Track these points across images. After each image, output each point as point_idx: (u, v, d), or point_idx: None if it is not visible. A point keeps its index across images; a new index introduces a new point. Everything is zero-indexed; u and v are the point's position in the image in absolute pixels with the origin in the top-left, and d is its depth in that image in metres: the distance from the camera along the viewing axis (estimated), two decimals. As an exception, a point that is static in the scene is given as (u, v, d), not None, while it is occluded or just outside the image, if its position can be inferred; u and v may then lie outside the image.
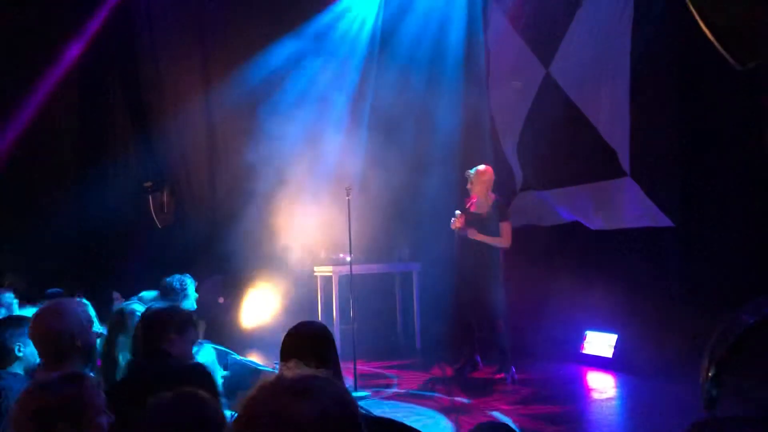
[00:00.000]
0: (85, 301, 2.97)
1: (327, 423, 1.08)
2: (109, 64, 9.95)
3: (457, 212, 6.64)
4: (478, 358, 6.85)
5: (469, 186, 6.74)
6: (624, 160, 6.91)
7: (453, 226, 6.62)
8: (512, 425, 4.36)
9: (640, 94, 6.78)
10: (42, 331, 2.72)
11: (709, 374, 1.29)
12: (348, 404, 1.13)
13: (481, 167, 6.73)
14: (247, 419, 1.10)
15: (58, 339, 2.69)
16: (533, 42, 8.08)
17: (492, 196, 6.70)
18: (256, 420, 1.09)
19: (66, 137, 9.89)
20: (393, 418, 3.00)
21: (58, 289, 5.82)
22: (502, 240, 6.56)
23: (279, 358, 2.63)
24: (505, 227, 6.56)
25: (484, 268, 6.58)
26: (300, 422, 1.06)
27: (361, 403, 4.27)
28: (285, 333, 2.68)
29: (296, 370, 1.16)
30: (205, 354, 3.85)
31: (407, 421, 3.49)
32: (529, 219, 8.16)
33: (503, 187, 7.88)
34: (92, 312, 2.86)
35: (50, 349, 2.71)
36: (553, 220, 8.01)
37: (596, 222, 7.39)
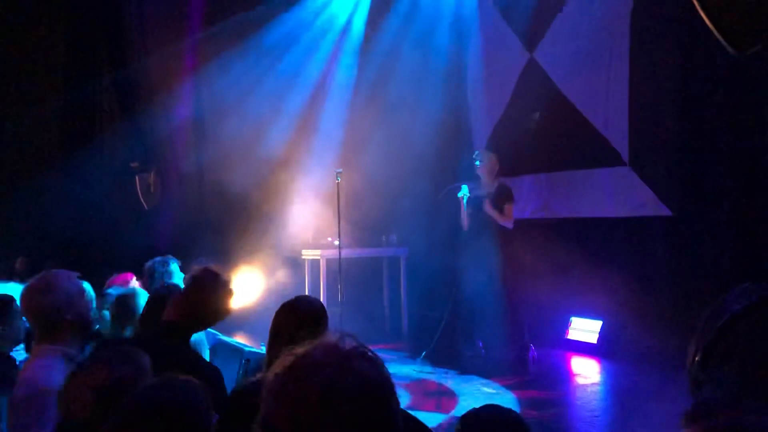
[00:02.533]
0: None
1: (380, 385, 1.13)
2: (96, 44, 9.84)
3: (465, 186, 6.72)
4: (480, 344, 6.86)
5: (479, 166, 6.79)
6: (623, 150, 6.94)
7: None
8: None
9: (638, 83, 6.80)
10: (30, 306, 2.68)
11: (696, 359, 1.30)
12: (390, 381, 1.18)
13: (488, 151, 6.87)
14: (302, 369, 1.12)
15: (46, 313, 2.65)
16: (517, 25, 8.07)
17: (498, 179, 6.77)
18: (313, 369, 1.11)
19: (52, 119, 9.80)
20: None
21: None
22: (506, 218, 6.62)
23: (269, 333, 2.59)
24: (508, 208, 6.62)
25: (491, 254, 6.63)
26: (361, 377, 1.11)
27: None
28: (278, 308, 2.63)
29: (353, 337, 1.18)
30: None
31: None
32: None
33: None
34: (88, 286, 2.80)
35: (40, 324, 2.67)
36: (536, 210, 8.03)
37: (587, 208, 7.42)
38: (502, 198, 6.64)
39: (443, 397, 5.66)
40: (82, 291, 2.75)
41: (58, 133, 9.90)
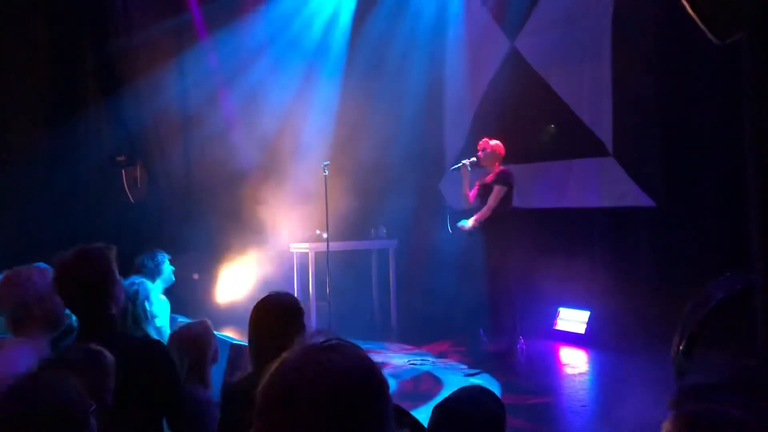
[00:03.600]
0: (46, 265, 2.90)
1: (355, 374, 1.12)
2: (80, 30, 9.73)
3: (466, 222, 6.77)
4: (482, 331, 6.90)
5: (480, 155, 6.79)
6: (606, 140, 6.96)
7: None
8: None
9: (622, 73, 6.81)
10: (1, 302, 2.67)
11: (680, 347, 1.32)
12: (375, 365, 1.18)
13: (495, 141, 6.82)
14: (277, 372, 1.13)
15: (15, 307, 2.65)
16: (498, 13, 8.07)
17: (499, 168, 6.77)
18: (286, 369, 1.12)
19: (37, 108, 9.70)
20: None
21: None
22: (488, 205, 6.64)
23: (248, 331, 2.60)
24: (496, 190, 6.62)
25: (492, 241, 6.69)
26: (328, 368, 1.10)
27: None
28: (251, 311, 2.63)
29: (327, 334, 1.19)
30: (160, 307, 3.88)
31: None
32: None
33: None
34: None
35: (8, 317, 2.66)
36: (520, 200, 8.05)
37: (572, 199, 7.45)
38: (495, 181, 6.66)
39: (427, 386, 5.69)
40: (50, 285, 2.70)
41: (41, 126, 9.80)
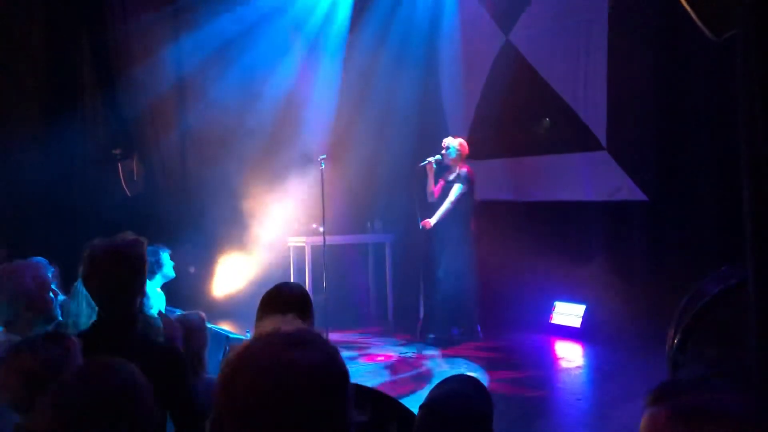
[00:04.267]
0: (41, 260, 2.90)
1: (317, 372, 1.12)
2: (76, 21, 9.69)
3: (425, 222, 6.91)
4: (479, 328, 6.94)
5: (443, 152, 6.87)
6: (600, 134, 6.97)
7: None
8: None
9: (617, 68, 6.82)
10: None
11: (675, 342, 1.33)
12: (338, 359, 1.17)
13: (459, 140, 6.96)
14: (238, 365, 1.13)
15: (10, 304, 2.67)
16: (492, 7, 8.06)
17: (464, 167, 6.86)
18: (248, 366, 1.12)
19: (33, 99, 9.66)
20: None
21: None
22: (447, 200, 6.78)
23: (255, 317, 2.60)
24: (455, 189, 6.77)
25: (454, 240, 6.79)
26: (292, 369, 1.10)
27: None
28: (262, 296, 2.63)
29: (293, 324, 1.19)
30: (156, 300, 3.90)
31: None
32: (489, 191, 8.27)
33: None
34: (50, 271, 2.81)
35: (4, 314, 2.68)
36: (515, 194, 8.07)
37: (567, 193, 7.46)
38: (454, 180, 6.79)
39: (419, 379, 5.72)
40: (44, 283, 2.74)
41: (36, 119, 9.77)
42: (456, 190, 6.76)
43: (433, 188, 6.99)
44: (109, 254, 2.38)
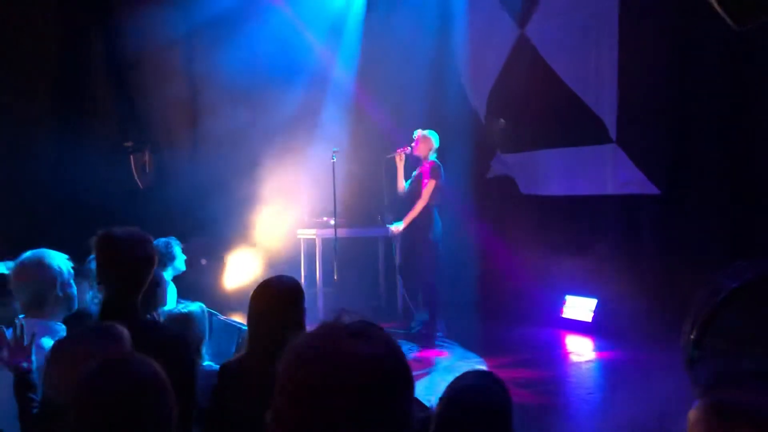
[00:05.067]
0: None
1: (379, 362, 1.12)
2: (89, 13, 9.70)
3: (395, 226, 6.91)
4: (442, 325, 6.95)
5: (414, 145, 6.87)
6: (611, 127, 6.93)
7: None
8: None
9: (628, 60, 6.77)
10: (26, 280, 2.78)
11: (691, 337, 1.31)
12: (400, 352, 1.17)
13: (429, 132, 6.90)
14: (299, 356, 1.13)
15: (42, 288, 2.76)
16: (507, 0, 8.02)
17: (431, 160, 6.82)
18: (311, 355, 1.12)
19: (45, 91, 9.70)
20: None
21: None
22: (421, 199, 6.69)
23: (247, 314, 2.61)
24: (429, 185, 6.69)
25: (421, 234, 6.74)
26: (354, 359, 1.10)
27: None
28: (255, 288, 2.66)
29: (352, 315, 1.18)
30: (169, 293, 3.95)
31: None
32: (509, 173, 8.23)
33: (481, 146, 7.97)
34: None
35: (32, 298, 2.77)
36: (530, 186, 8.03)
37: (578, 186, 7.42)
38: (427, 175, 6.72)
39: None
40: (70, 270, 2.88)
41: (49, 111, 9.80)
42: (430, 187, 6.71)
43: (401, 181, 6.96)
44: (127, 243, 2.50)
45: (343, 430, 1.08)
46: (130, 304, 2.50)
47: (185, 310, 3.37)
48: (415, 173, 6.88)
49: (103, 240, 2.50)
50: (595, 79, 7.08)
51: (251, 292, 2.65)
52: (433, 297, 6.73)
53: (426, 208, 6.68)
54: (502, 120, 8.07)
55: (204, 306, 3.46)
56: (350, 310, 1.22)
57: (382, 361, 1.13)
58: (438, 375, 5.56)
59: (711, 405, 1.07)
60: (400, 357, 1.16)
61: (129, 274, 2.49)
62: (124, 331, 2.07)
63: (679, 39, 6.35)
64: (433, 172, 6.71)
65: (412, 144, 6.88)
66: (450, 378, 2.06)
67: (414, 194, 6.76)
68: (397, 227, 6.83)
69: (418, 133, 6.91)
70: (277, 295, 2.59)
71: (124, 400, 1.59)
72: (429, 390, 4.76)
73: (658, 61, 6.54)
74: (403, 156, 6.91)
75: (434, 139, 6.86)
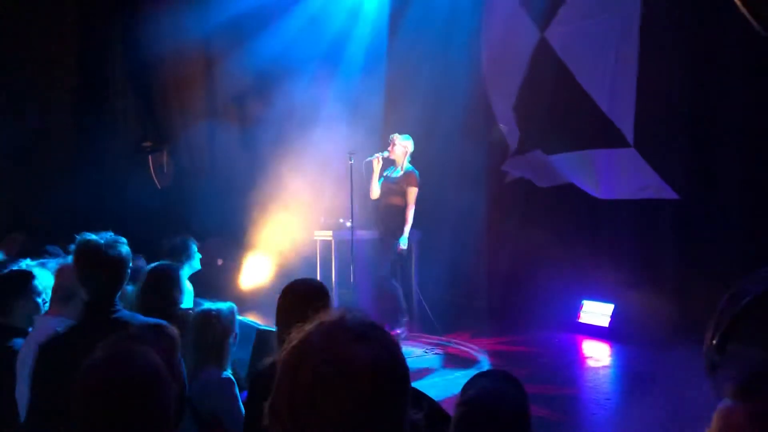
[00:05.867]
0: None
1: (379, 369, 1.11)
2: (109, 14, 9.79)
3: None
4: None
5: (390, 149, 6.95)
6: (628, 131, 6.88)
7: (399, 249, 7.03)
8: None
9: (648, 64, 6.72)
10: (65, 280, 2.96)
11: (713, 342, 1.29)
12: (400, 356, 1.17)
13: (406, 136, 7.02)
14: (299, 354, 1.13)
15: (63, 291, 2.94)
16: (528, 4, 7.99)
17: (408, 166, 6.96)
18: (310, 355, 1.12)
19: (65, 92, 9.80)
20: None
21: (55, 246, 5.83)
22: (408, 208, 6.86)
23: (275, 318, 2.62)
24: (412, 192, 6.85)
25: (391, 234, 6.91)
26: (353, 364, 1.10)
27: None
28: (281, 291, 2.67)
29: (356, 315, 1.17)
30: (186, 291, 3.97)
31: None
32: (528, 175, 8.18)
33: (496, 149, 7.96)
34: None
35: (59, 297, 2.95)
36: (550, 181, 7.99)
37: (599, 190, 7.38)
38: (405, 182, 6.84)
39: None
40: None
41: (70, 111, 9.91)
42: (412, 194, 6.84)
43: (375, 185, 7.03)
44: (103, 247, 2.68)
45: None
46: (108, 301, 2.66)
47: (214, 308, 3.32)
48: (389, 175, 6.98)
49: (80, 244, 2.69)
50: (614, 83, 7.04)
51: (278, 296, 2.66)
52: (388, 291, 6.85)
53: (403, 212, 6.83)
54: (502, 126, 8.09)
55: (235, 307, 3.42)
56: (354, 309, 1.21)
57: (384, 366, 1.12)
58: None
59: (755, 413, 1.04)
60: (401, 362, 1.16)
61: (106, 274, 2.65)
62: (172, 329, 2.11)
63: (699, 43, 6.30)
64: (412, 180, 6.84)
65: (389, 148, 6.94)
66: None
67: (390, 195, 6.88)
68: (404, 244, 6.93)
69: (394, 137, 7.00)
70: (304, 296, 2.59)
71: (125, 390, 1.60)
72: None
73: (678, 65, 6.49)
74: (381, 160, 6.94)
75: (410, 144, 6.98)
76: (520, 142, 8.26)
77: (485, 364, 6.08)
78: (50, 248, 5.58)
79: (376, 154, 6.95)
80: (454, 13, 8.59)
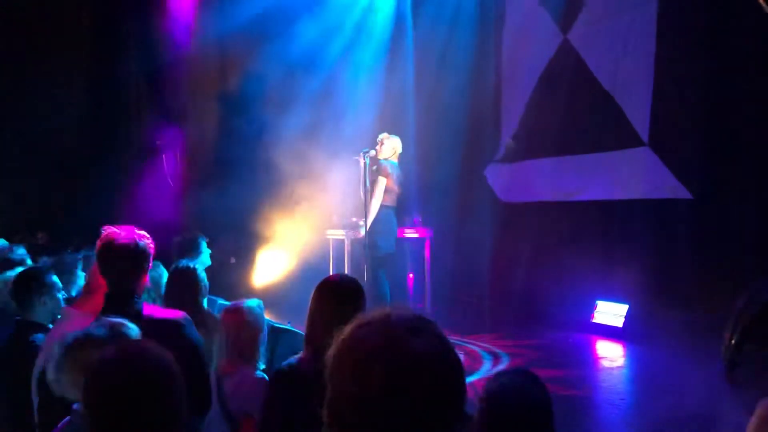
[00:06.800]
0: None
1: (434, 360, 1.12)
2: (123, 14, 9.84)
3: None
4: None
5: (378, 148, 6.97)
6: (643, 130, 6.85)
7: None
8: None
9: (664, 64, 6.69)
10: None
11: (732, 342, 1.29)
12: (453, 348, 1.17)
13: (393, 136, 7.09)
14: (362, 353, 1.13)
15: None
16: (551, 6, 7.97)
17: (387, 163, 6.96)
18: (375, 355, 1.12)
19: (79, 91, 9.86)
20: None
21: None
22: (375, 198, 6.87)
23: (308, 312, 2.60)
24: (379, 182, 6.87)
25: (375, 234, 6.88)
26: (416, 356, 1.11)
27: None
28: (318, 283, 2.64)
29: (401, 310, 1.19)
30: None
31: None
32: (497, 185, 8.20)
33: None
34: None
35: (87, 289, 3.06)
36: (516, 196, 8.02)
37: (610, 191, 7.35)
38: (377, 173, 6.86)
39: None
40: None
41: (84, 109, 9.97)
42: (379, 183, 6.86)
43: (365, 184, 6.97)
44: (126, 239, 2.77)
45: (408, 429, 1.09)
46: (129, 293, 2.74)
47: (244, 305, 3.30)
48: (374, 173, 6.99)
49: (103, 237, 2.78)
50: (630, 82, 7.02)
51: (317, 286, 2.64)
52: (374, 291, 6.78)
53: (384, 211, 6.88)
54: (510, 140, 8.13)
55: (262, 303, 3.41)
56: (396, 304, 1.21)
57: (443, 358, 1.14)
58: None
59: None
60: (455, 353, 1.17)
61: (129, 266, 2.74)
62: (133, 329, 2.14)
63: (716, 43, 6.26)
64: (382, 170, 6.86)
65: (377, 147, 6.95)
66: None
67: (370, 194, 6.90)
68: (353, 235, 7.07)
69: (383, 136, 7.01)
70: (339, 295, 2.57)
71: (137, 387, 1.62)
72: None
73: (694, 64, 6.46)
74: (367, 158, 6.89)
75: (397, 143, 7.00)
76: (508, 150, 8.31)
77: (501, 363, 6.07)
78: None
79: (362, 152, 6.88)
80: (473, 14, 8.60)
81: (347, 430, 1.12)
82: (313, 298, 2.59)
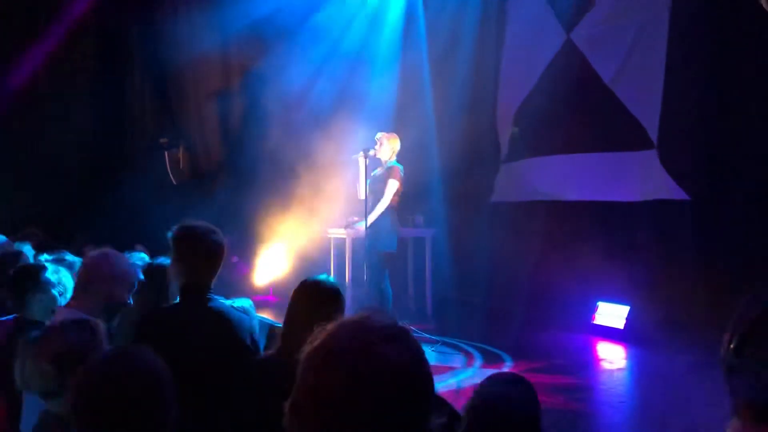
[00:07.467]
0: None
1: (409, 368, 1.13)
2: (127, 16, 9.85)
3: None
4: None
5: (377, 147, 6.89)
6: (652, 133, 6.85)
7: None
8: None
9: (674, 67, 6.68)
10: (93, 275, 2.98)
11: (731, 346, 1.27)
12: (425, 358, 1.18)
13: (392, 136, 6.99)
14: (330, 354, 1.13)
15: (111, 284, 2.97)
16: (556, 5, 7.96)
17: (391, 163, 6.89)
18: (341, 356, 1.12)
19: (83, 88, 9.86)
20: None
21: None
22: (384, 199, 6.76)
23: (286, 311, 2.63)
24: (390, 184, 6.77)
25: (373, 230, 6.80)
26: (384, 363, 1.10)
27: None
28: (296, 287, 2.68)
29: (380, 315, 1.18)
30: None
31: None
32: (523, 193, 8.19)
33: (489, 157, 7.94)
34: None
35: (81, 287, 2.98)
36: (516, 196, 8.00)
37: (613, 192, 7.34)
38: (388, 176, 6.77)
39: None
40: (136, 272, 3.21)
41: (88, 105, 9.97)
42: (390, 186, 6.77)
43: (364, 185, 6.91)
44: (202, 232, 2.92)
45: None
46: (204, 285, 2.86)
47: (237, 305, 3.33)
48: (375, 174, 6.93)
49: (181, 231, 2.90)
50: (639, 84, 7.01)
51: (292, 291, 2.68)
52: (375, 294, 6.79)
53: (387, 211, 6.80)
54: (515, 128, 8.10)
55: (252, 302, 3.46)
56: (377, 309, 1.21)
57: (409, 366, 1.13)
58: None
59: None
60: (426, 365, 1.17)
61: (204, 259, 2.86)
62: (99, 324, 2.16)
63: (727, 47, 6.25)
64: (393, 173, 6.78)
65: (376, 147, 6.89)
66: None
67: (376, 195, 6.81)
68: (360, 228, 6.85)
69: (382, 135, 6.95)
70: (317, 295, 2.60)
71: (125, 390, 1.61)
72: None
73: (705, 66, 6.44)
74: (366, 158, 6.85)
75: (396, 142, 6.93)
76: (513, 142, 8.30)
77: (502, 363, 6.05)
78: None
79: (361, 152, 6.85)
80: (476, 15, 8.59)
81: (305, 424, 1.11)
82: (292, 297, 2.63)
